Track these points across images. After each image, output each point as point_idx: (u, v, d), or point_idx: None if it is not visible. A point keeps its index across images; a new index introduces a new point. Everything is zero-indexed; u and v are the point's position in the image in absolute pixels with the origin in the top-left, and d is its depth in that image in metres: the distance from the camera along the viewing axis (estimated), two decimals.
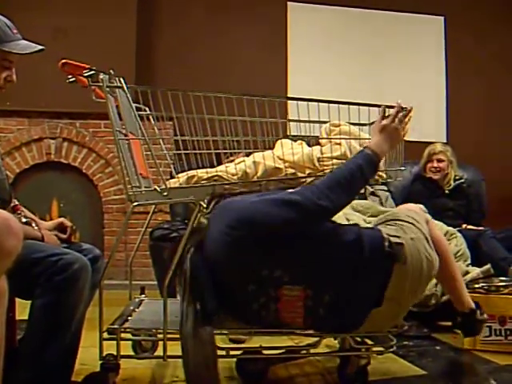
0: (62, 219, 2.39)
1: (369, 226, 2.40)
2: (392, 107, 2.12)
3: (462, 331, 2.65)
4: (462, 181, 4.66)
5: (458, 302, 2.54)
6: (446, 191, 4.59)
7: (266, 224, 1.94)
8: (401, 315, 2.15)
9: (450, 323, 3.47)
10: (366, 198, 4.36)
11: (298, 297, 2.01)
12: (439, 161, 4.61)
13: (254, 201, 2.00)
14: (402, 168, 2.22)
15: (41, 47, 2.07)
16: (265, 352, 2.33)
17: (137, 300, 2.59)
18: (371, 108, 2.17)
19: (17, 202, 2.26)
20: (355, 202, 3.87)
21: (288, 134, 2.32)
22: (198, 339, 1.93)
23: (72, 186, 5.23)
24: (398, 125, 2.10)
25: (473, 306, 2.52)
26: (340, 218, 3.06)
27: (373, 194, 4.47)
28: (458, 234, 3.69)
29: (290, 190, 2.03)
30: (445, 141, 5.73)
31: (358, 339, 2.25)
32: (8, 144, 5.00)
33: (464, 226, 4.32)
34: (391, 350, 2.22)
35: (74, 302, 1.92)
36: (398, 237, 2.11)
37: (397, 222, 2.23)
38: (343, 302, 2.04)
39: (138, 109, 2.21)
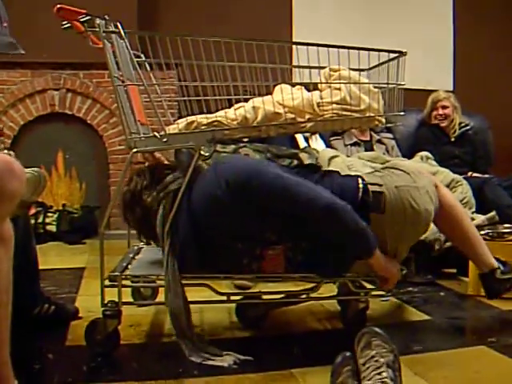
0: None
1: (365, 171, 2.36)
2: (388, 51, 2.09)
3: (485, 292, 2.57)
4: (468, 128, 4.64)
5: (477, 264, 2.49)
6: (452, 139, 4.58)
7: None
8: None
9: (454, 270, 3.51)
10: (372, 147, 4.37)
11: (279, 250, 2.04)
12: (444, 107, 4.60)
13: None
14: (402, 113, 2.19)
15: (21, 51, 2.00)
16: (264, 297, 2.35)
17: (135, 247, 2.59)
18: (371, 53, 2.13)
19: None
20: (362, 154, 3.87)
21: (292, 80, 2.29)
22: (173, 291, 1.98)
23: (77, 137, 5.20)
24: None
25: (494, 265, 2.44)
26: (340, 165, 3.06)
27: (379, 141, 4.49)
28: (464, 182, 3.70)
29: None
30: (451, 89, 5.66)
31: (358, 284, 2.27)
32: (12, 96, 4.95)
33: (470, 173, 4.32)
34: (390, 294, 2.24)
35: None
36: (379, 185, 2.09)
37: (391, 169, 2.21)
38: (324, 248, 2.04)
39: (136, 56, 2.19)
